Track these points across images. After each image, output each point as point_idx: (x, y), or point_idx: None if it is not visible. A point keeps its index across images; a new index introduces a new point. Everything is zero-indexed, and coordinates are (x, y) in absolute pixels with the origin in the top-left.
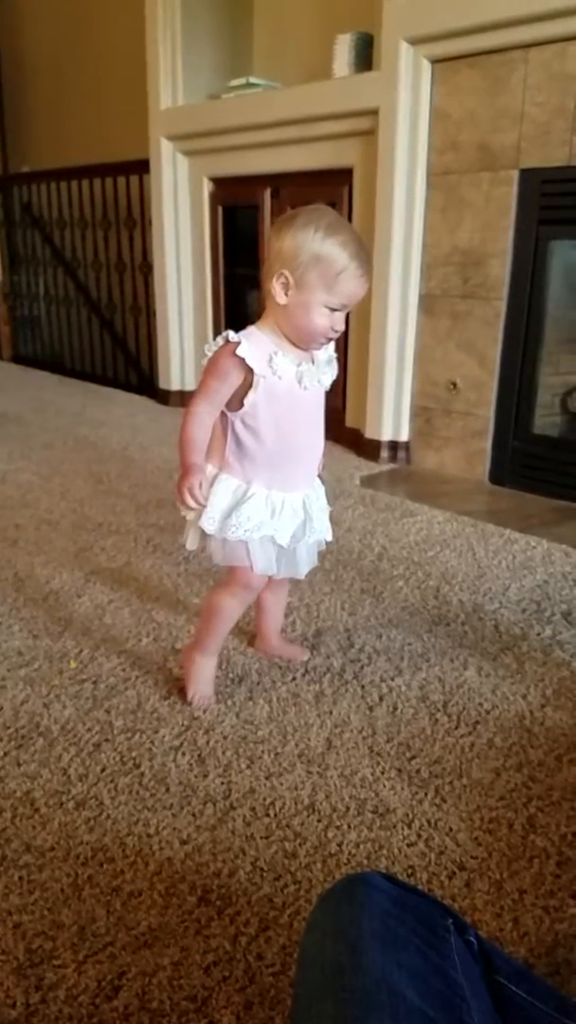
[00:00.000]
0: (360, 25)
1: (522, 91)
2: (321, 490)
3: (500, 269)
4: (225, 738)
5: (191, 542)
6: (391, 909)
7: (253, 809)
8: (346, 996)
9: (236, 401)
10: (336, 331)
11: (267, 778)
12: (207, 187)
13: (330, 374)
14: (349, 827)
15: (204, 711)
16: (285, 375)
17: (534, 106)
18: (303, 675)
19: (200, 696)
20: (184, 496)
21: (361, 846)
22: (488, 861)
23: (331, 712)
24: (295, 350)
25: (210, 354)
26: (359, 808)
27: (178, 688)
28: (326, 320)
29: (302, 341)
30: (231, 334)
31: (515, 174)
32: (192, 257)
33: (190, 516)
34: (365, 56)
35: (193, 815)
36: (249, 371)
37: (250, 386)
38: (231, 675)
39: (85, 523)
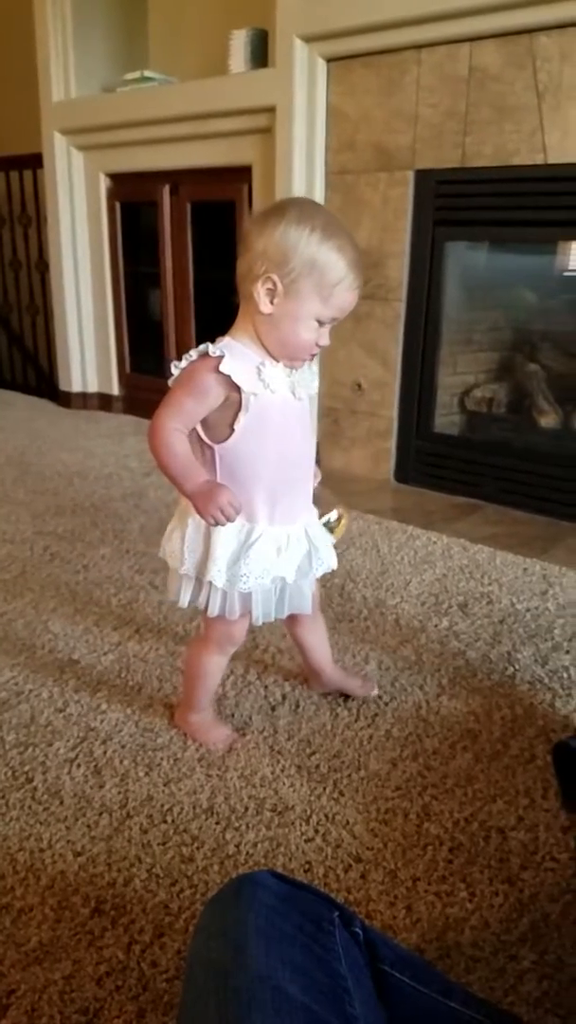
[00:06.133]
0: (255, 20)
1: (415, 92)
2: (315, 512)
3: (399, 270)
4: (123, 747)
5: (184, 598)
6: (277, 906)
7: (150, 816)
8: (229, 996)
9: (224, 428)
10: (320, 346)
11: (165, 784)
12: (104, 183)
13: (315, 379)
14: (247, 827)
15: (237, 746)
16: (279, 387)
17: (427, 107)
18: None
19: (217, 740)
20: (223, 517)
21: (259, 845)
22: (383, 852)
23: (233, 715)
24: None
25: (178, 371)
26: (258, 807)
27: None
28: (312, 335)
29: (284, 356)
30: (211, 347)
31: (410, 175)
32: (90, 255)
33: (174, 564)
34: (261, 52)
35: (88, 826)
36: (234, 390)
37: (238, 408)
38: (131, 683)
39: None
